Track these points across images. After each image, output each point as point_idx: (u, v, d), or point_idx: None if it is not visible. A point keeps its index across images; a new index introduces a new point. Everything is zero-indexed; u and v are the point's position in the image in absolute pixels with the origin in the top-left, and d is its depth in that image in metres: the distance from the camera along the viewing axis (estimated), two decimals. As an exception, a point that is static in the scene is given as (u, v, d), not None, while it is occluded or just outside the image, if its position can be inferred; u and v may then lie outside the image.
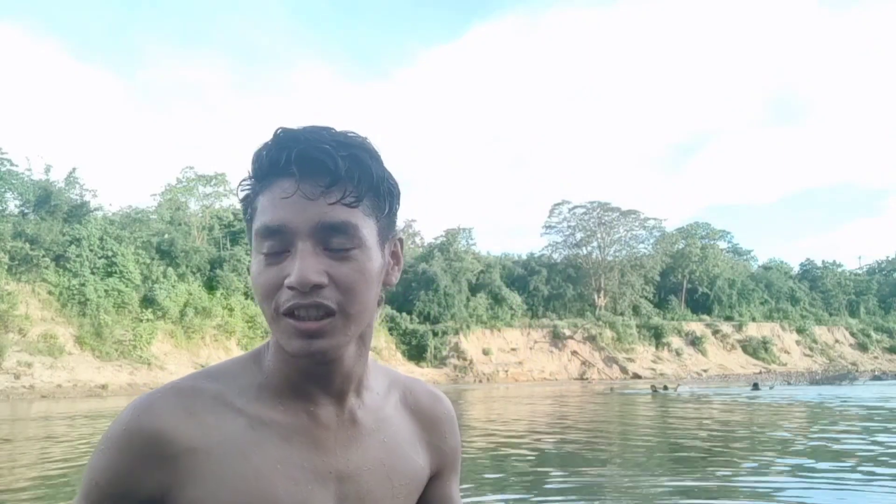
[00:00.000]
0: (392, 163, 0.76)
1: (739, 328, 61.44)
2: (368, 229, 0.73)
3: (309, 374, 0.76)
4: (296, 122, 0.72)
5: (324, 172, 0.70)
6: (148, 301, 35.56)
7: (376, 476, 0.80)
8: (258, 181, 0.73)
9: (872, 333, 67.89)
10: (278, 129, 0.72)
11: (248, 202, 0.75)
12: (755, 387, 25.73)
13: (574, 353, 51.56)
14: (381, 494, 0.80)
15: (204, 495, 0.70)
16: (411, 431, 0.88)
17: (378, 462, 0.81)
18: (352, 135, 0.73)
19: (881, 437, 9.04)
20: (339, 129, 0.74)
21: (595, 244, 61.41)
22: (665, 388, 27.67)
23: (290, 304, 0.69)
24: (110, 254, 35.47)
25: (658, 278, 62.34)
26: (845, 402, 17.29)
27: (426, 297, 48.49)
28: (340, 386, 0.78)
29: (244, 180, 0.75)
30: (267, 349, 0.79)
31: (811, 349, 63.28)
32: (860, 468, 6.40)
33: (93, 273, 34.54)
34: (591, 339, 52.62)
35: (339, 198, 0.70)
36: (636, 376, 47.43)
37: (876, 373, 46.79)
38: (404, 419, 0.88)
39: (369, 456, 0.80)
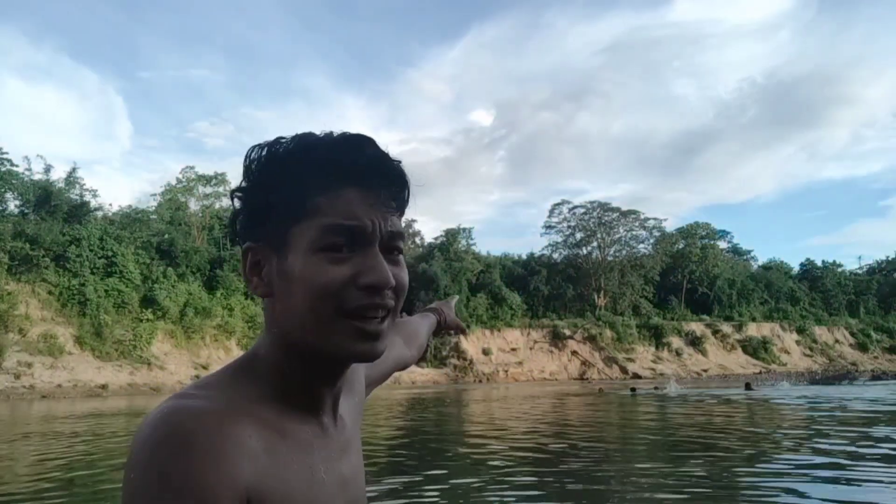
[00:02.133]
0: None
1: (739, 328, 61.44)
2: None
3: (325, 378, 0.74)
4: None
5: (399, 187, 0.74)
6: (148, 301, 35.58)
7: (361, 475, 0.82)
8: (317, 182, 0.71)
9: (872, 333, 67.88)
10: (351, 136, 0.73)
11: (289, 194, 0.71)
12: (748, 387, 25.65)
13: (574, 353, 51.56)
14: (363, 493, 0.82)
15: (276, 502, 0.65)
16: (352, 406, 0.87)
17: (360, 459, 0.83)
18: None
19: (872, 436, 9.05)
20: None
21: (595, 244, 61.41)
22: (656, 388, 27.57)
23: (360, 303, 0.69)
24: (110, 254, 35.49)
25: (658, 278, 62.32)
26: (842, 402, 17.29)
27: (426, 297, 48.49)
28: (340, 386, 0.78)
29: (279, 167, 0.72)
30: (257, 359, 0.74)
31: (811, 349, 63.28)
32: (850, 465, 6.41)
33: (93, 273, 34.56)
34: (591, 339, 52.62)
35: (400, 208, 0.75)
36: (636, 376, 47.45)
37: (876, 373, 46.79)
38: (346, 399, 0.85)
39: (354, 458, 0.81)
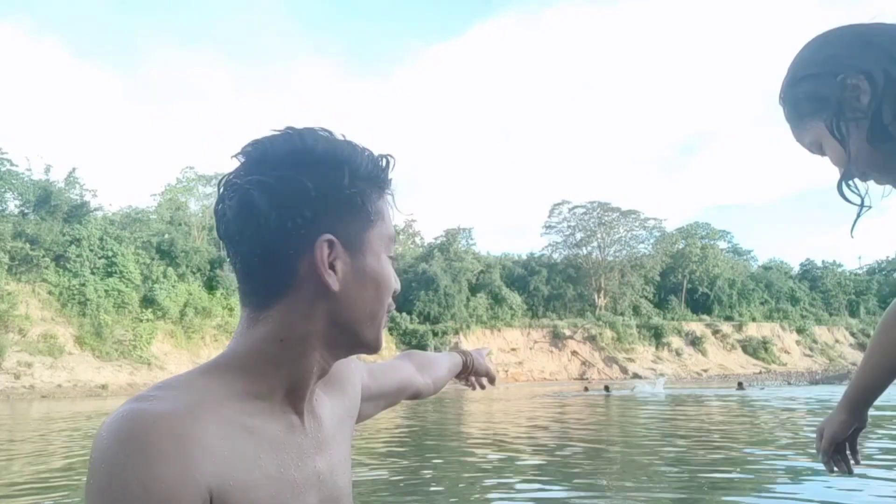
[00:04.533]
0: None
1: (739, 328, 61.50)
2: None
3: (313, 375, 0.76)
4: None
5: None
6: (148, 301, 35.61)
7: (342, 471, 0.82)
8: (379, 188, 0.78)
9: (872, 333, 67.92)
10: (380, 153, 0.79)
11: (367, 199, 0.76)
12: (740, 386, 25.62)
13: (574, 353, 51.63)
14: (346, 491, 0.82)
15: (240, 500, 0.65)
16: (338, 405, 0.88)
17: (342, 456, 0.83)
18: None
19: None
20: None
21: (595, 244, 61.50)
22: (633, 388, 27.61)
23: (392, 305, 0.80)
24: (110, 254, 35.52)
25: (658, 278, 62.41)
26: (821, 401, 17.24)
27: (426, 297, 48.55)
28: (316, 383, 0.78)
29: (364, 171, 0.76)
30: (237, 357, 0.73)
31: (811, 349, 63.34)
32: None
33: (93, 273, 34.59)
34: (591, 339, 52.68)
35: None
36: (636, 376, 47.48)
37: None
38: (329, 399, 0.86)
39: (334, 452, 0.81)
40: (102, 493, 0.59)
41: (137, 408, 0.64)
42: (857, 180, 1.10)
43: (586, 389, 27.95)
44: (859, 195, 1.09)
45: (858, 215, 1.09)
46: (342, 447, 0.85)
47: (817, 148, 1.09)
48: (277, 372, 0.73)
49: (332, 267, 0.72)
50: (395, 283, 0.80)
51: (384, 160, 0.78)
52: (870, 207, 1.09)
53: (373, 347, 0.78)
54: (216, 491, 0.63)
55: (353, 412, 0.93)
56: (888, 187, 1.15)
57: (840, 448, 1.48)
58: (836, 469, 1.50)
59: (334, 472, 0.80)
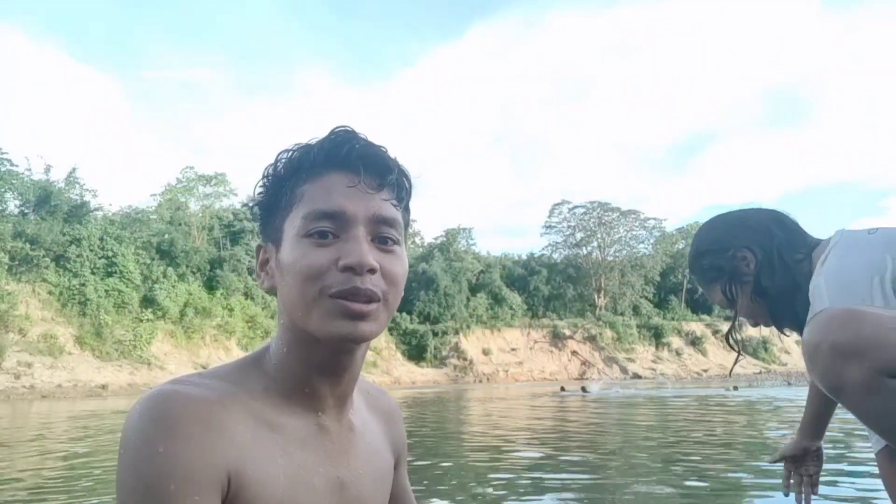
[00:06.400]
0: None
1: (739, 328, 61.41)
2: (403, 232, 0.80)
3: (324, 370, 0.76)
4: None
5: (381, 171, 0.77)
6: (148, 301, 35.61)
7: (369, 481, 0.82)
8: (305, 171, 0.76)
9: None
10: (337, 127, 0.78)
11: (282, 190, 0.77)
12: (735, 388, 25.66)
13: (574, 353, 51.62)
14: (372, 499, 0.82)
15: (256, 492, 0.68)
16: (380, 430, 0.91)
17: (371, 467, 0.83)
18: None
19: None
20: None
21: (595, 244, 61.54)
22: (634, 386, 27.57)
23: (343, 287, 0.71)
24: (110, 254, 35.51)
25: (658, 278, 62.44)
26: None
27: (426, 297, 48.53)
28: (346, 387, 0.79)
29: (277, 170, 0.79)
30: (267, 352, 0.79)
31: (811, 349, 63.36)
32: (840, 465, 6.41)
33: (93, 273, 34.58)
34: (591, 339, 52.68)
35: (391, 195, 0.78)
36: (636, 376, 47.48)
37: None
38: (373, 418, 0.90)
39: (362, 461, 0.82)
40: (131, 463, 0.64)
41: (173, 389, 0.68)
42: (744, 329, 1.49)
43: (563, 389, 28.15)
44: (738, 346, 1.47)
45: (736, 361, 1.45)
46: (371, 455, 0.85)
47: (725, 304, 1.43)
48: (296, 370, 0.76)
49: (263, 266, 0.80)
50: (315, 259, 0.72)
51: (321, 140, 0.77)
52: (743, 356, 1.48)
53: (322, 338, 0.73)
54: (234, 479, 0.66)
55: (396, 446, 0.95)
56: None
57: (798, 470, 1.70)
58: (792, 491, 1.72)
59: (360, 479, 0.80)
